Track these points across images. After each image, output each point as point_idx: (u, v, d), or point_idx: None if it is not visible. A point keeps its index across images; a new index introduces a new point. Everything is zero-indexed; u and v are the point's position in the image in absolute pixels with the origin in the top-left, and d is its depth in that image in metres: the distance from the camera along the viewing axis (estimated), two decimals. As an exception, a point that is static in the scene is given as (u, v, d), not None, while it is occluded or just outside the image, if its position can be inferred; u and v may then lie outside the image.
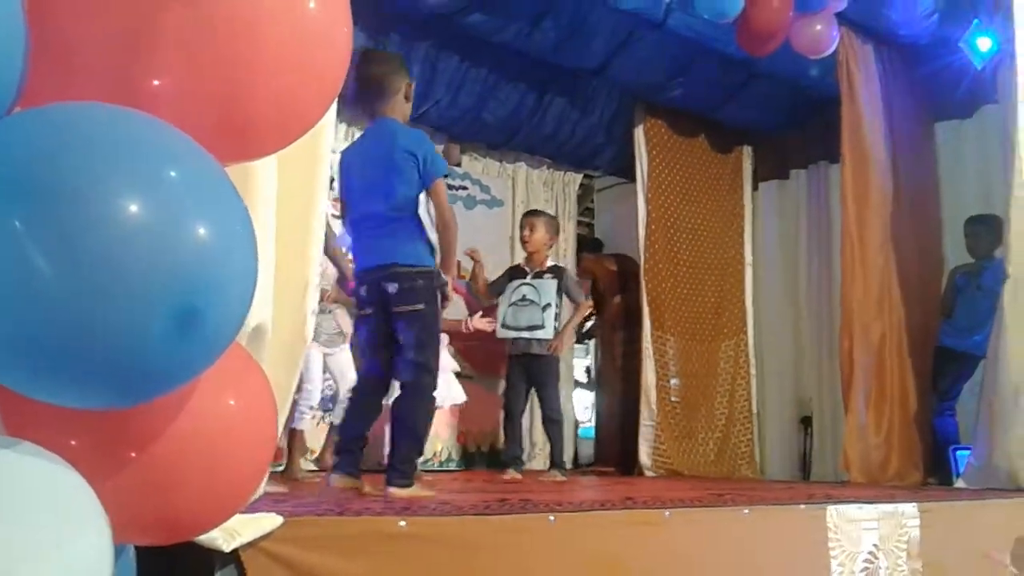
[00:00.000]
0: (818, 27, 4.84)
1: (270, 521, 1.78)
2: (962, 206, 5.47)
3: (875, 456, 5.11)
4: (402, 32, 4.98)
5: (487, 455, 6.07)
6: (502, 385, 5.34)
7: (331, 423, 4.67)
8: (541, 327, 4.95)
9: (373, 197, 3.02)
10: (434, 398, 3.05)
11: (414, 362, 2.97)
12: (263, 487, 1.73)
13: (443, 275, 3.04)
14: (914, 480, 5.10)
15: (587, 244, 7.07)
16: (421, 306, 2.96)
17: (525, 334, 4.94)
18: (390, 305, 2.97)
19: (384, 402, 3.19)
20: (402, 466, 2.90)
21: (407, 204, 2.99)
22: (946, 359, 5.23)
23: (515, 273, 5.14)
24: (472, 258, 4.91)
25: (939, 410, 5.24)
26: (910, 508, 3.27)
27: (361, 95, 3.05)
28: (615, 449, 6.42)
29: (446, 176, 3.08)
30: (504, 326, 4.98)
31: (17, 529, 1.00)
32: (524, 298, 4.99)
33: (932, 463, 5.20)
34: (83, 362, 1.03)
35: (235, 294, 1.13)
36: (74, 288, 1.01)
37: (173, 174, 1.10)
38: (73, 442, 1.16)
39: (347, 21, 1.39)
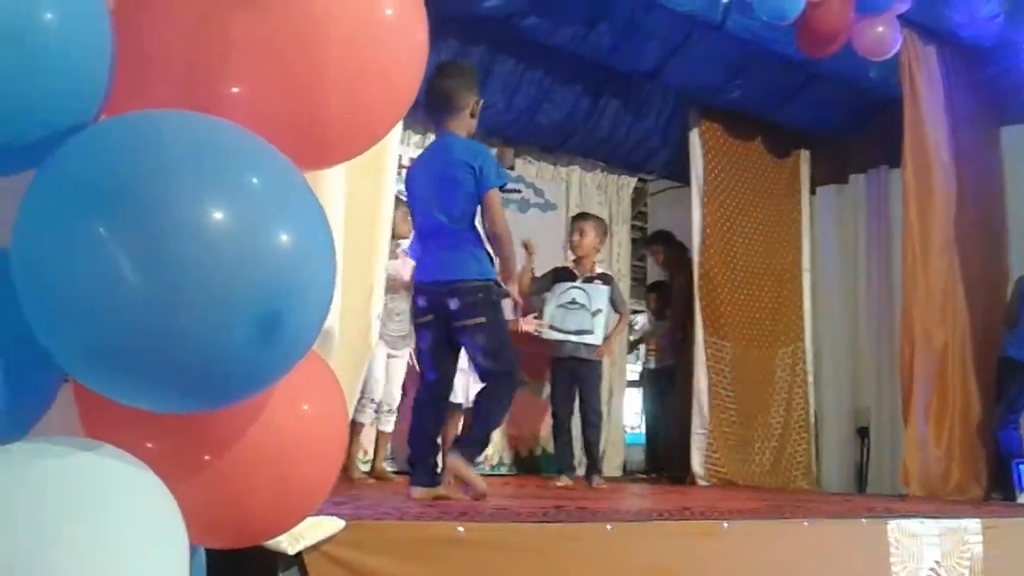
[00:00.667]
0: (880, 28, 4.76)
1: (333, 524, 1.79)
2: (1030, 212, 5.34)
3: (935, 469, 5.01)
4: (457, 35, 4.99)
5: (538, 459, 6.05)
6: (547, 389, 5.31)
7: (379, 431, 4.69)
8: (591, 332, 4.95)
9: (435, 210, 3.06)
10: (511, 396, 3.12)
11: (488, 370, 3.06)
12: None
13: (503, 285, 3.07)
14: (976, 495, 5.00)
15: (660, 237, 6.74)
16: (483, 319, 3.00)
17: (573, 337, 4.94)
18: (452, 319, 3.02)
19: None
20: (469, 445, 3.05)
21: (466, 216, 3.04)
22: (1011, 370, 5.10)
23: (563, 275, 5.11)
24: (527, 249, 4.90)
25: (1003, 423, 5.11)
26: (973, 524, 3.20)
27: (429, 106, 3.09)
28: (667, 455, 6.35)
29: (503, 187, 3.10)
30: (552, 328, 4.96)
31: (98, 530, 1.02)
32: (574, 301, 4.98)
33: (995, 477, 5.09)
34: (165, 366, 1.04)
35: (315, 300, 1.14)
36: (158, 293, 1.02)
37: (255, 180, 1.10)
38: (150, 445, 1.17)
39: (423, 29, 1.39)
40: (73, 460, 1.04)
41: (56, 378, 1.13)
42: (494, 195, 3.04)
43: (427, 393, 3.11)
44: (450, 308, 3.01)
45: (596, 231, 5.12)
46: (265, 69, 1.25)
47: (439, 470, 3.10)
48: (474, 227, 3.05)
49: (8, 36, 1.01)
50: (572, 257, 5.22)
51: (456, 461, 2.93)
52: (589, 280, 5.04)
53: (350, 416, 1.99)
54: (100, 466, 1.05)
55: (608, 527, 2.33)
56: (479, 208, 3.05)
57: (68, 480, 1.03)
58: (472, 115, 3.14)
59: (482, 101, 3.20)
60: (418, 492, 2.94)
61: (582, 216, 5.34)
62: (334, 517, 1.82)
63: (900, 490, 5.04)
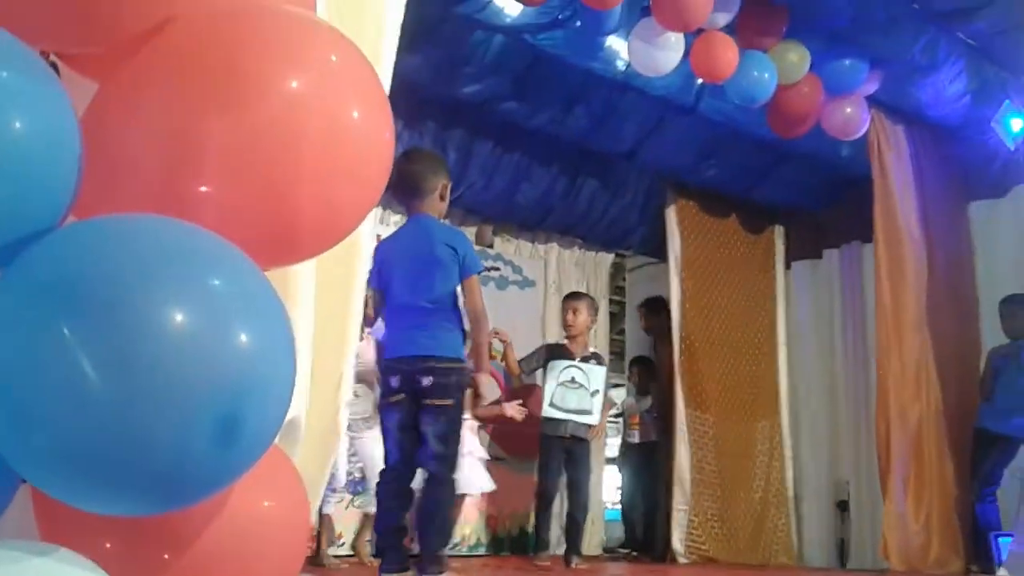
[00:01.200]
0: (849, 110, 4.91)
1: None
2: (997, 286, 5.42)
3: (915, 543, 5.01)
4: (436, 118, 5.10)
5: (515, 539, 5.98)
6: (532, 467, 5.28)
7: (364, 512, 4.63)
8: (589, 412, 4.99)
9: (414, 290, 3.08)
10: (453, 488, 3.12)
11: (439, 455, 3.01)
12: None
13: (472, 368, 3.10)
14: (955, 568, 4.99)
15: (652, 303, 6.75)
16: (450, 401, 3.01)
17: (575, 417, 4.96)
18: (421, 397, 3.01)
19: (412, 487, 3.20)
20: (433, 555, 2.96)
21: (445, 297, 3.07)
22: (986, 442, 5.11)
23: (558, 352, 5.14)
24: (500, 339, 4.93)
25: (980, 495, 5.10)
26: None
27: (398, 190, 3.13)
28: (646, 532, 6.28)
29: (480, 273, 3.16)
30: (552, 405, 4.97)
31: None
32: (573, 380, 5.01)
33: (974, 550, 5.07)
34: (125, 470, 1.05)
35: (275, 399, 1.15)
36: (121, 397, 1.03)
37: (217, 283, 1.12)
38: (108, 545, 1.17)
39: (389, 128, 1.43)
40: (26, 566, 1.03)
41: (12, 482, 1.14)
42: (475, 280, 3.11)
43: (392, 475, 3.07)
44: (421, 384, 3.00)
45: (588, 309, 5.22)
46: (235, 171, 1.28)
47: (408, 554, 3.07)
48: (456, 308, 3.10)
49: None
50: (565, 336, 5.27)
51: None
52: (586, 360, 5.10)
53: (316, 509, 1.97)
54: (54, 572, 1.04)
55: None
56: (458, 290, 3.10)
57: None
58: (442, 198, 3.19)
59: (450, 184, 3.25)
60: None
61: (575, 295, 5.43)
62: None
63: (881, 564, 5.02)
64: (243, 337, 1.11)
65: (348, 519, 4.86)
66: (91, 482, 1.07)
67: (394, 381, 3.08)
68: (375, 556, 3.00)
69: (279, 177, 1.29)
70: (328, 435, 1.99)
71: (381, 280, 3.17)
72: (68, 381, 1.03)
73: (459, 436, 3.10)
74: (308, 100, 1.32)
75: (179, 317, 1.07)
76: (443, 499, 3.04)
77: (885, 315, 5.18)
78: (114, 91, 1.34)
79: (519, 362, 5.13)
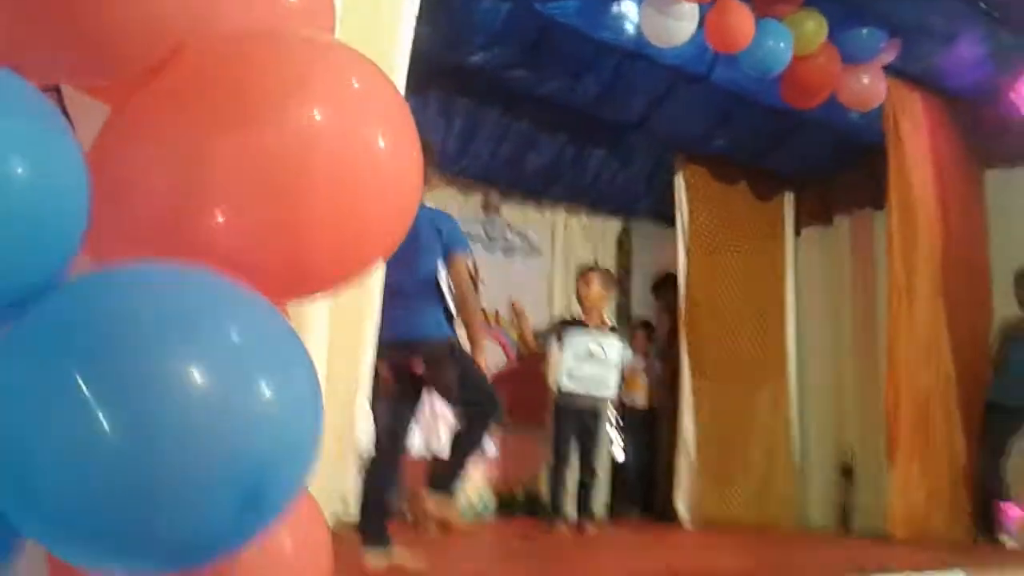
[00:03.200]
0: (865, 80, 4.80)
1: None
2: (1012, 256, 5.37)
3: (920, 511, 5.02)
4: (443, 86, 5.01)
5: (523, 504, 6.01)
6: (535, 431, 5.29)
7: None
8: (608, 386, 5.02)
9: (402, 271, 3.02)
10: (489, 426, 3.09)
11: (463, 413, 3.07)
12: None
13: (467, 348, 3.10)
14: (960, 537, 5.00)
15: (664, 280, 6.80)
16: (449, 377, 3.01)
17: (592, 391, 4.98)
18: (417, 379, 3.04)
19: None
20: (445, 474, 2.99)
21: (430, 277, 3.05)
22: (997, 414, 5.12)
23: (575, 325, 5.11)
24: (516, 311, 4.91)
25: (988, 466, 5.12)
26: (959, 576, 3.20)
27: None
28: (653, 494, 6.32)
29: (469, 254, 3.15)
30: (570, 378, 4.96)
31: None
32: (591, 354, 5.00)
33: (979, 520, 5.09)
34: (140, 537, 1.01)
35: (301, 460, 1.11)
36: (136, 457, 0.98)
37: (240, 336, 1.07)
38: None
39: (418, 162, 1.36)
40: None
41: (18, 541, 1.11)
42: (461, 259, 3.08)
43: (385, 448, 3.05)
44: (415, 368, 3.03)
45: (602, 282, 5.18)
46: (249, 199, 1.22)
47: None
48: (438, 287, 3.06)
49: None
50: (579, 308, 5.23)
51: (437, 499, 2.93)
52: (603, 333, 5.09)
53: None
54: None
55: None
56: (442, 269, 3.07)
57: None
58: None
59: (434, 167, 3.16)
60: (373, 558, 2.83)
61: (589, 268, 5.39)
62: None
63: (884, 530, 5.05)
64: (269, 394, 1.05)
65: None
66: (100, 545, 1.02)
67: (386, 364, 3.08)
68: (361, 531, 2.93)
69: (295, 209, 1.23)
70: (347, 439, 1.96)
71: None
72: (81, 443, 0.98)
73: (475, 386, 3.06)
74: (324, 126, 1.25)
75: (200, 373, 1.01)
76: (475, 425, 3.04)
77: (898, 284, 5.14)
78: (124, 119, 1.29)
79: (538, 334, 5.11)
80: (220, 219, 1.23)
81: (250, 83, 1.24)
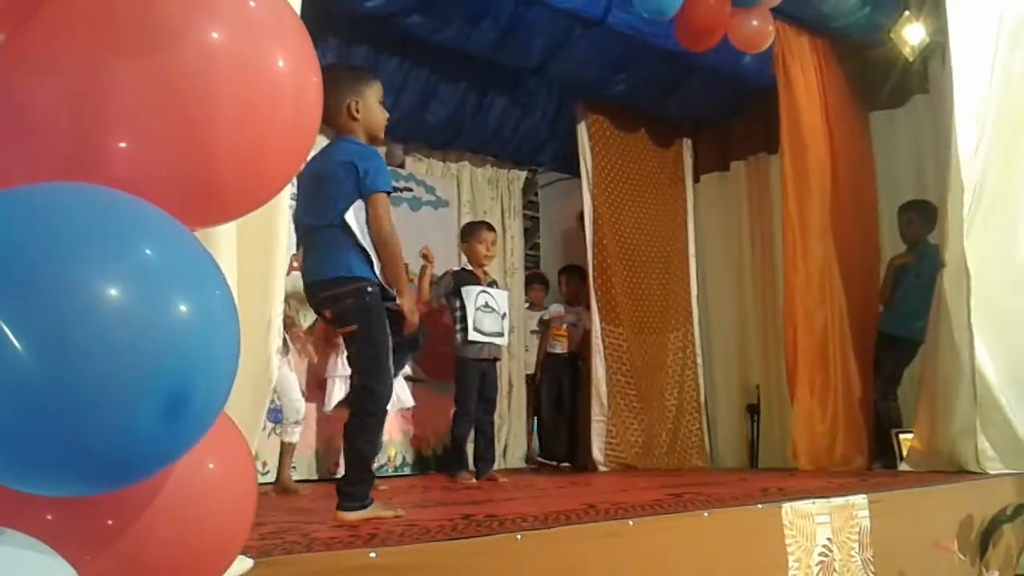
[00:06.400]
0: (755, 22, 4.90)
1: (241, 566, 1.74)
2: (897, 195, 5.61)
3: (821, 443, 5.22)
4: (340, 34, 4.91)
5: (439, 458, 6.04)
6: (450, 388, 5.32)
7: (283, 441, 4.61)
8: (502, 335, 5.18)
9: (312, 212, 2.95)
10: (378, 420, 2.88)
11: (356, 385, 2.90)
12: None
13: (389, 291, 2.91)
14: (860, 465, 5.22)
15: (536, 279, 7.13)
16: (354, 326, 2.83)
17: (495, 340, 5.13)
18: (332, 326, 2.93)
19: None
20: (349, 489, 2.77)
21: (340, 216, 2.86)
22: (887, 345, 5.36)
23: (467, 279, 5.17)
24: (425, 258, 4.90)
25: (882, 395, 5.37)
26: (860, 499, 3.34)
27: None
28: (569, 442, 6.41)
29: (389, 193, 2.94)
30: (476, 330, 5.05)
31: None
32: (487, 305, 5.13)
33: (876, 447, 5.33)
34: (67, 454, 1.00)
35: (220, 372, 1.11)
36: (57, 379, 0.97)
37: (150, 253, 1.06)
38: (48, 517, 1.11)
39: (316, 73, 1.35)
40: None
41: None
42: (379, 199, 2.88)
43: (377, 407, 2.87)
44: (326, 316, 2.91)
45: (494, 239, 5.39)
46: (150, 124, 1.20)
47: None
48: (348, 227, 2.86)
49: None
50: (472, 264, 5.28)
51: (343, 517, 2.71)
52: (492, 284, 5.28)
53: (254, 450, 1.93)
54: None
55: (518, 536, 2.35)
56: (353, 208, 2.88)
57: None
58: (353, 117, 2.98)
59: (360, 99, 3.01)
60: (351, 516, 2.73)
61: (490, 227, 5.43)
62: (241, 556, 1.76)
63: (790, 464, 5.25)
64: (184, 308, 1.05)
65: (270, 447, 4.83)
66: (30, 468, 1.01)
67: (316, 305, 3.00)
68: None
69: (199, 130, 1.22)
70: (261, 381, 1.93)
71: (297, 207, 3.05)
72: (-1, 366, 0.96)
73: (377, 364, 2.82)
74: (224, 48, 1.24)
75: (115, 291, 1.01)
76: (357, 432, 2.79)
77: (792, 225, 5.31)
78: (20, 44, 1.23)
79: (431, 285, 5.12)
80: (123, 144, 1.21)
81: (150, 5, 1.23)
